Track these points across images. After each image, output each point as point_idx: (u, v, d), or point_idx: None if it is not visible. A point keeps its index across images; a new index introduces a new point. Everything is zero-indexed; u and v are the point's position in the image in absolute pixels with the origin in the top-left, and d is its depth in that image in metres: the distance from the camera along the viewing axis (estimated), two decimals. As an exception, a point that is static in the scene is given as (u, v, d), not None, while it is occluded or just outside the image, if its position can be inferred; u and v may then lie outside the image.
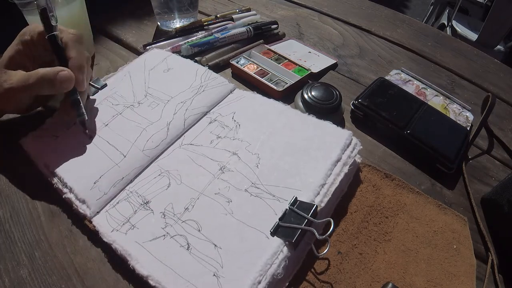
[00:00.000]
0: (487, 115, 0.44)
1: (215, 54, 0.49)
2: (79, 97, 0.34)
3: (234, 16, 0.56)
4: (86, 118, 0.34)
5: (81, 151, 0.34)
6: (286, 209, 0.29)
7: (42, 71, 0.32)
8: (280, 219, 0.28)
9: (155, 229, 0.28)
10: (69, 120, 0.36)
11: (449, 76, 0.54)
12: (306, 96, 0.41)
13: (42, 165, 0.33)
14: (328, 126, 0.36)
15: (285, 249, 0.27)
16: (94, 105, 0.39)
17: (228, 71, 0.48)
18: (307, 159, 0.33)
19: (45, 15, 0.34)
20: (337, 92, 0.42)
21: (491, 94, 0.46)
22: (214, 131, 0.36)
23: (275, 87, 0.43)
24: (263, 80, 0.44)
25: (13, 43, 0.34)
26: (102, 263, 0.28)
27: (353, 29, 0.61)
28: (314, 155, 0.33)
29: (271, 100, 0.40)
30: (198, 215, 0.29)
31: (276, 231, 0.28)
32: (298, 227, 0.27)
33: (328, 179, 0.31)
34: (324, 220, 0.28)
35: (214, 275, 0.25)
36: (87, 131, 0.35)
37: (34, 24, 0.35)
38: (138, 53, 0.50)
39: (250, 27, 0.52)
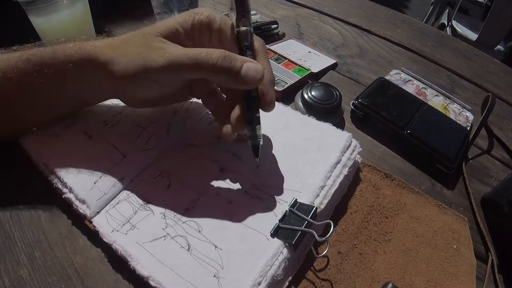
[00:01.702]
0: (487, 115, 0.44)
1: (215, 54, 0.49)
2: (259, 115, 0.28)
3: (234, 16, 0.56)
4: (261, 143, 0.29)
5: (81, 151, 0.34)
6: (286, 210, 0.29)
7: (226, 51, 0.25)
8: (280, 220, 0.28)
9: (155, 229, 0.28)
10: (231, 136, 0.30)
11: (449, 76, 0.54)
12: (306, 96, 0.41)
13: (42, 165, 0.32)
14: (328, 127, 0.36)
15: (285, 250, 0.27)
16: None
17: (228, 71, 0.48)
18: (307, 161, 0.33)
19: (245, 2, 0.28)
20: (337, 92, 0.42)
21: (491, 94, 0.46)
22: (215, 132, 0.36)
23: (275, 87, 0.43)
24: (263, 80, 0.44)
25: (177, 17, 0.28)
26: (102, 263, 0.28)
27: (353, 29, 0.61)
28: (314, 157, 0.33)
29: (271, 100, 0.39)
30: (198, 216, 0.29)
31: (276, 233, 0.28)
32: (298, 229, 0.27)
33: (327, 181, 0.31)
34: (323, 222, 0.28)
35: (215, 276, 0.25)
36: (257, 159, 0.29)
37: (208, 9, 0.29)
38: (138, 53, 0.49)
39: (250, 27, 0.52)
